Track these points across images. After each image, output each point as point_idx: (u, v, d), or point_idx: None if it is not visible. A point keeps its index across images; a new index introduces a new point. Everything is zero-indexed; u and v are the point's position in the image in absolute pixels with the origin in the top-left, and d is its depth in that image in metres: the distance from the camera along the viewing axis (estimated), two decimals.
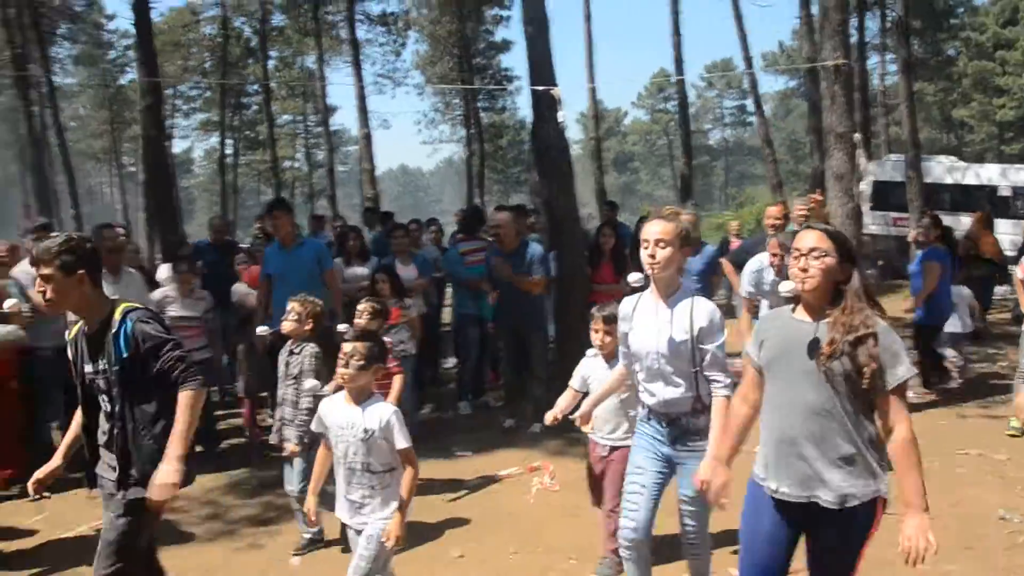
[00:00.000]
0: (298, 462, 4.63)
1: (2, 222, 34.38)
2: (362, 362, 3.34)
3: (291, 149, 44.48)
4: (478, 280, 7.57)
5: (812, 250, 2.69)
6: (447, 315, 9.63)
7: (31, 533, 5.20)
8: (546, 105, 7.70)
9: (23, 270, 5.98)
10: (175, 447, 3.13)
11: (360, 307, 5.23)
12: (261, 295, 6.72)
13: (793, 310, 2.85)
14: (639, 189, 76.17)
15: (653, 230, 3.26)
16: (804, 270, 2.71)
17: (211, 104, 38.54)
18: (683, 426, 3.43)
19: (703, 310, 3.32)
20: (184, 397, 3.15)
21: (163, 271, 8.14)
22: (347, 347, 3.38)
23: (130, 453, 3.22)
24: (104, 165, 52.17)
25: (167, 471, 3.10)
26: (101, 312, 3.24)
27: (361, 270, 7.83)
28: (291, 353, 4.77)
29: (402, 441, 3.34)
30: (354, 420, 3.36)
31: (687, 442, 3.43)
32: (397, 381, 5.00)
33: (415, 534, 4.33)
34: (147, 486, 3.14)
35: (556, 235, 7.82)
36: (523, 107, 42.74)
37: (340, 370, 3.38)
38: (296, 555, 4.75)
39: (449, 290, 9.49)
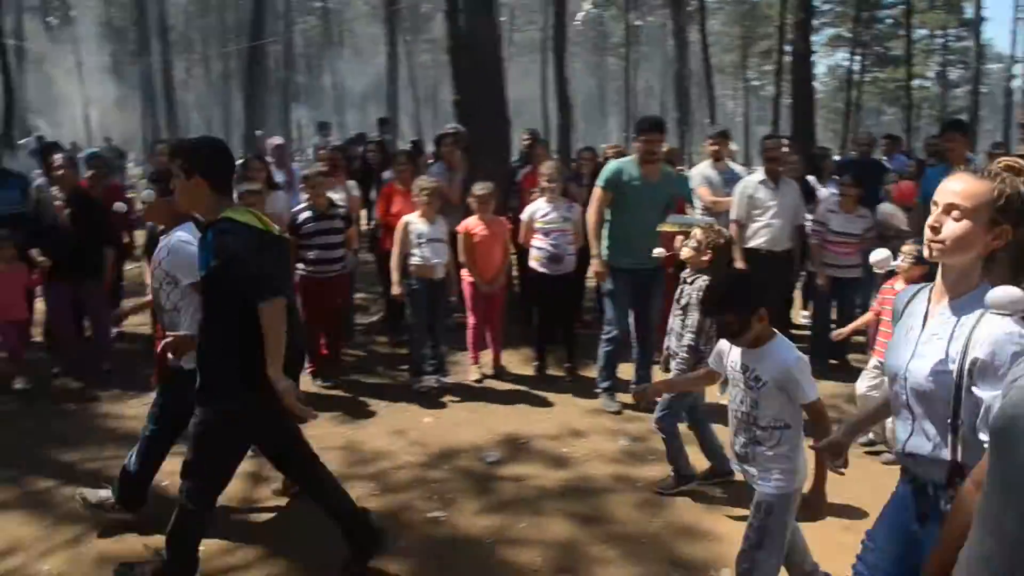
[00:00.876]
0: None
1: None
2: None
3: (923, 67, 41.56)
4: None
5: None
6: None
7: None
8: None
9: None
10: (269, 371, 3.07)
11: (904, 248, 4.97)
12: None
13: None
14: None
15: (950, 189, 2.07)
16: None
17: (844, 19, 37.75)
18: (932, 502, 2.17)
19: (991, 333, 1.99)
20: (261, 315, 3.05)
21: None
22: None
23: (204, 368, 3.24)
24: (730, 79, 54.85)
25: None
26: None
27: None
28: (684, 282, 4.60)
29: (808, 393, 2.92)
30: (748, 363, 3.02)
31: (935, 528, 2.08)
32: None
33: None
34: (209, 404, 3.20)
35: None
36: None
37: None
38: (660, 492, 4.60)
39: None
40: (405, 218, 6.06)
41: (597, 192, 5.77)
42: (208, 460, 3.34)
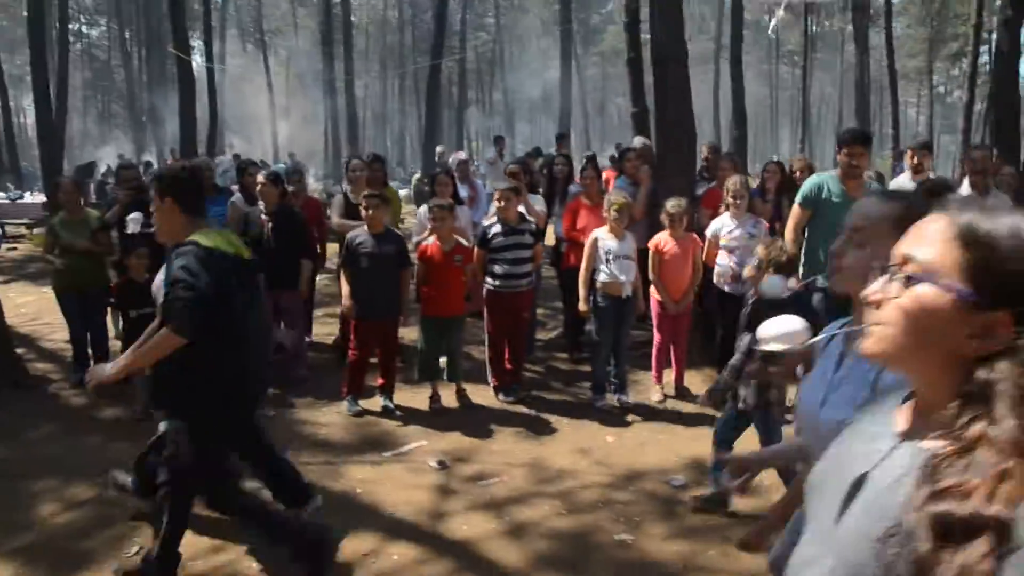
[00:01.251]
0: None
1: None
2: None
3: None
4: None
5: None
6: None
7: None
8: None
9: None
10: (123, 358, 3.56)
11: None
12: None
13: None
14: None
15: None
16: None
17: None
18: None
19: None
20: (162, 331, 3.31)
21: None
22: None
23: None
24: (913, 85, 51.89)
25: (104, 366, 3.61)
26: None
27: None
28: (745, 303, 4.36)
29: None
30: None
31: None
32: None
33: None
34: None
35: None
36: None
37: None
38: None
39: None
40: (594, 233, 6.02)
41: (796, 210, 5.53)
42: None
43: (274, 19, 47.07)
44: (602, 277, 5.96)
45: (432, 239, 5.97)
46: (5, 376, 6.71)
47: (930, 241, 1.05)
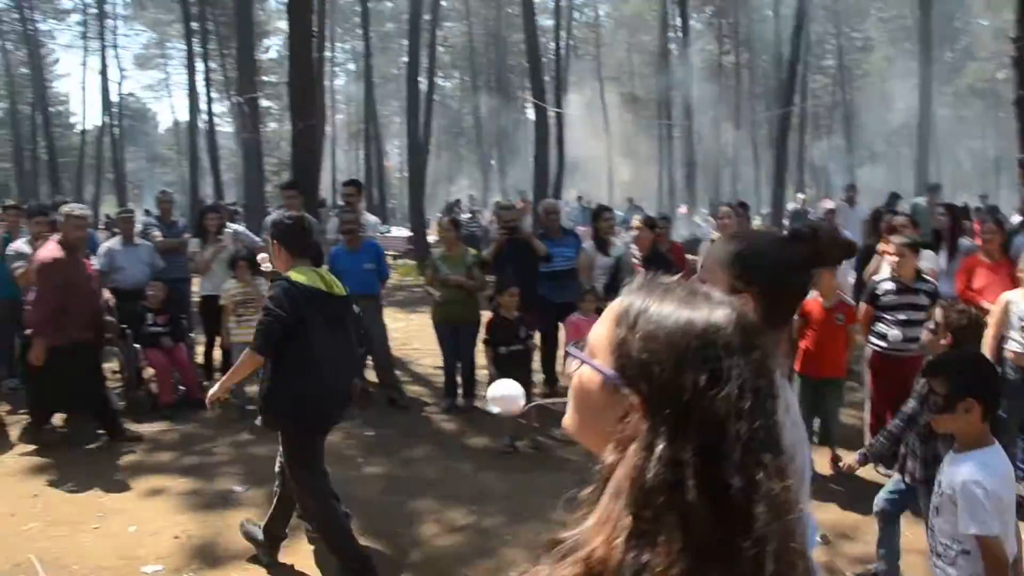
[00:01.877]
0: None
1: None
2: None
3: None
4: None
5: None
6: None
7: None
8: None
9: None
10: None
11: None
12: None
13: None
14: None
15: None
16: None
17: None
18: None
19: None
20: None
21: None
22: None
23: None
24: None
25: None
26: None
27: None
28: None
29: (969, 524, 2.49)
30: (945, 463, 2.74)
31: None
32: None
33: None
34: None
35: None
36: None
37: None
38: None
39: None
40: (1006, 296, 5.27)
41: None
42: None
43: (610, 67, 48.57)
44: (1013, 346, 5.18)
45: (812, 294, 5.57)
46: (386, 394, 7.33)
47: (603, 318, 1.00)
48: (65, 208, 6.26)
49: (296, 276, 4.07)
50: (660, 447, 0.86)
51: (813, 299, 5.55)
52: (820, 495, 5.33)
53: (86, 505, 5.23)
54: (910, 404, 4.01)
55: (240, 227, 8.10)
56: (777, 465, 0.86)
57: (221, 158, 27.80)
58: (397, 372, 8.07)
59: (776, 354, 1.13)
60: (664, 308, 0.94)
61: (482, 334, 6.73)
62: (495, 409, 2.04)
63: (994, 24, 37.45)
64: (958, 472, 2.57)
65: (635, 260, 6.55)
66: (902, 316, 5.47)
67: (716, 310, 0.93)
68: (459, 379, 7.25)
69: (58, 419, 6.73)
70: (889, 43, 45.53)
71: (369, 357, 7.43)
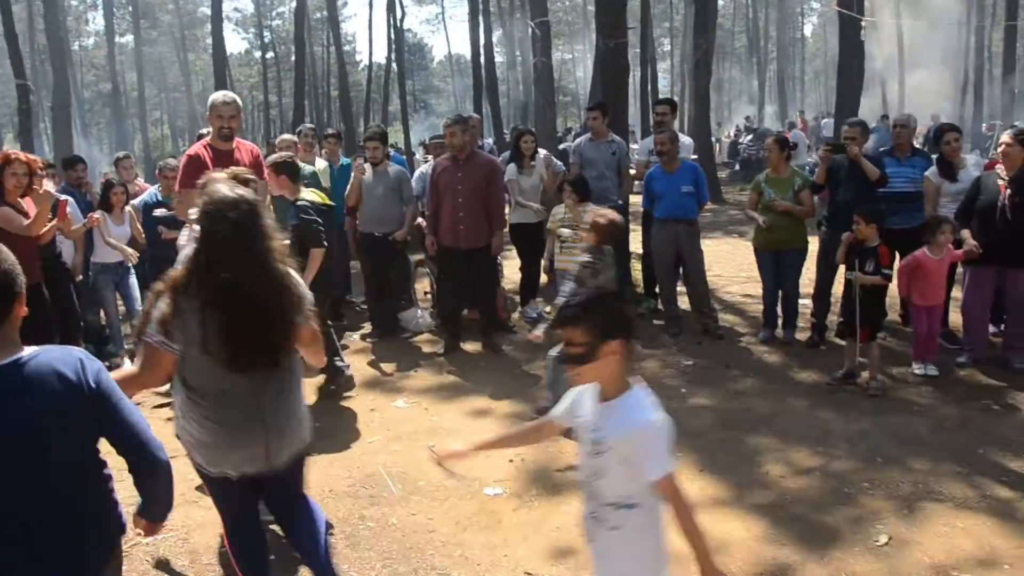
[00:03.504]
0: None
1: None
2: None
3: None
4: None
5: None
6: None
7: None
8: None
9: None
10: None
11: None
12: None
13: None
14: None
15: None
16: None
17: None
18: None
19: None
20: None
21: None
22: None
23: None
24: None
25: None
26: None
27: None
28: None
29: (654, 468, 2.17)
30: (596, 419, 2.31)
31: None
32: None
33: None
34: None
35: None
36: None
37: None
38: None
39: None
40: None
41: None
42: None
43: None
44: None
45: None
46: (702, 323, 7.03)
47: None
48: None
49: (308, 195, 5.61)
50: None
51: None
52: None
53: (419, 422, 5.44)
54: None
55: (545, 152, 8.02)
56: None
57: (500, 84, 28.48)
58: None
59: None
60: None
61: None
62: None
63: None
64: (620, 421, 2.22)
65: (1001, 182, 5.66)
66: None
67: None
68: (779, 310, 6.80)
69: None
70: None
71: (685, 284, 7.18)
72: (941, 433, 4.91)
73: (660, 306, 7.53)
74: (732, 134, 30.44)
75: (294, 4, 29.10)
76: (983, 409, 5.29)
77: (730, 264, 9.24)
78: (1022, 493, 4.15)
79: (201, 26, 51.69)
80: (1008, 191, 5.63)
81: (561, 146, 8.73)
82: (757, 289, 7.18)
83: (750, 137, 23.22)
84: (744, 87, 48.09)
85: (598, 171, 7.30)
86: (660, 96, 20.68)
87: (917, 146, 7.33)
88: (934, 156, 6.65)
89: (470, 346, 6.94)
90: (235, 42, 77.95)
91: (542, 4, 12.39)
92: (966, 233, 5.73)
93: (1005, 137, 5.78)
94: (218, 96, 5.30)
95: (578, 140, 8.10)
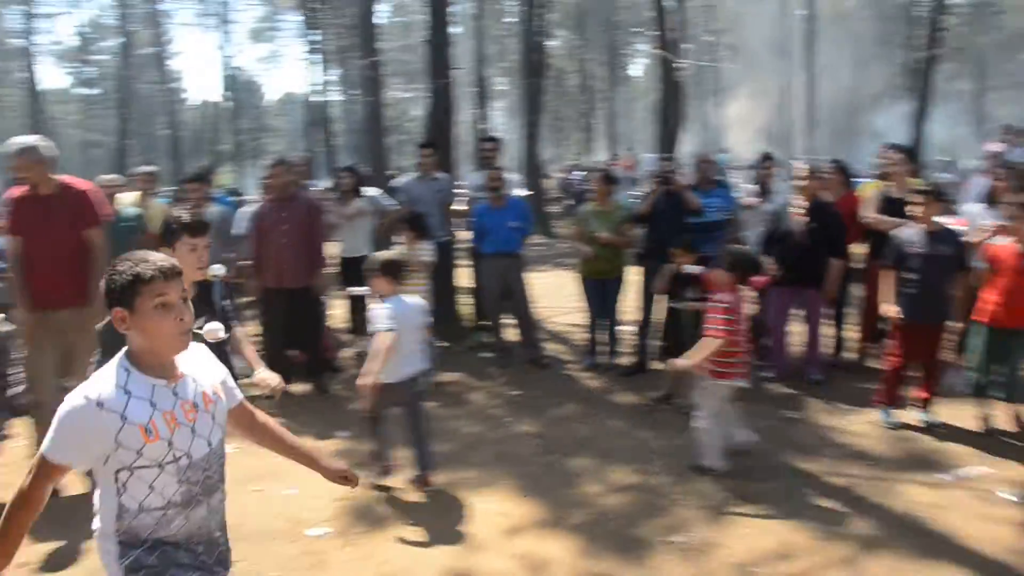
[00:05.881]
0: None
1: None
2: None
3: None
4: None
5: None
6: None
7: None
8: None
9: None
10: None
11: None
12: None
13: None
14: None
15: None
16: None
17: None
18: None
19: None
20: None
21: None
22: None
23: None
24: None
25: None
26: None
27: None
28: None
29: None
30: None
31: None
32: None
33: None
34: None
35: None
36: None
37: None
38: None
39: None
40: None
41: None
42: None
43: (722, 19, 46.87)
44: None
45: (1006, 240, 5.14)
46: (528, 353, 7.24)
47: None
48: None
49: None
50: None
51: (1008, 244, 5.11)
52: (1003, 452, 4.98)
53: (241, 467, 5.29)
54: None
55: (376, 191, 8.04)
56: None
57: (333, 125, 28.28)
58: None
59: None
60: None
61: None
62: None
63: None
64: None
65: (798, 211, 6.21)
66: None
67: None
68: (597, 337, 7.11)
69: None
70: None
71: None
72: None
73: (490, 339, 7.68)
74: (564, 170, 31.39)
75: (122, 39, 28.15)
76: (783, 419, 5.74)
77: (558, 295, 9.53)
78: (815, 491, 4.53)
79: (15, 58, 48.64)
80: (803, 219, 6.18)
81: (391, 183, 8.74)
82: (583, 319, 7.46)
83: (582, 173, 24.06)
84: (578, 124, 49.79)
85: (424, 208, 7.39)
86: (488, 134, 21.09)
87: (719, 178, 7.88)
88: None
89: (298, 387, 6.82)
90: (56, 77, 73.67)
91: (370, 45, 12.49)
92: (768, 259, 6.22)
93: (800, 171, 6.35)
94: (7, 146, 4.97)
95: (405, 179, 8.17)
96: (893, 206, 6.16)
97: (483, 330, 7.89)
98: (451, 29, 8.98)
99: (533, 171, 16.66)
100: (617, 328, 7.08)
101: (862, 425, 5.55)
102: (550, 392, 6.53)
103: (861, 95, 38.76)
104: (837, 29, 35.22)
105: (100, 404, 2.02)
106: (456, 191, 8.18)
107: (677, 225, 6.60)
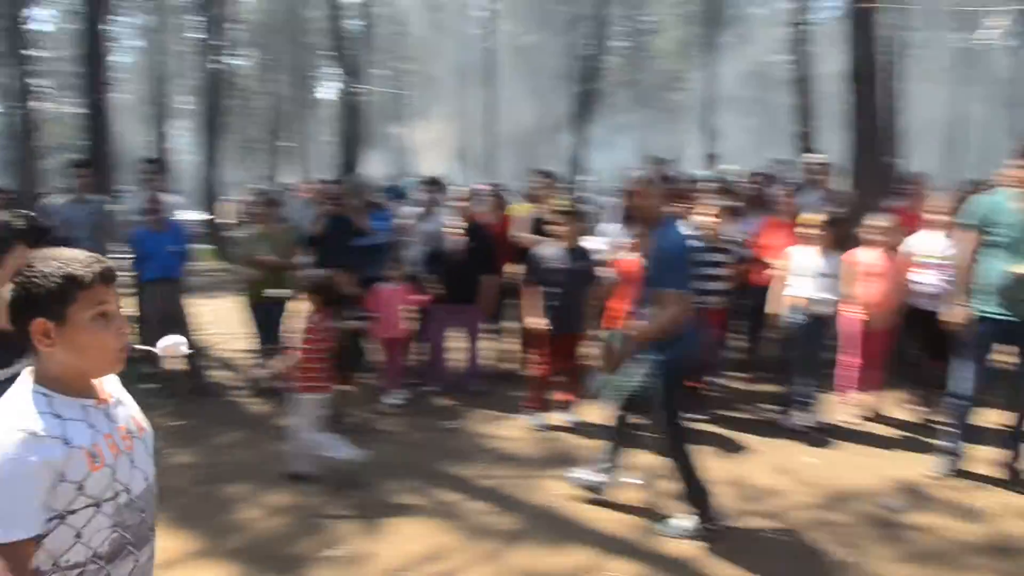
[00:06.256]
0: None
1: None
2: None
3: None
4: None
5: None
6: None
7: None
8: None
9: None
10: None
11: None
12: None
13: None
14: None
15: None
16: None
17: None
18: None
19: None
20: None
21: None
22: None
23: None
24: None
25: None
26: None
27: None
28: None
29: None
30: None
31: None
32: None
33: None
34: None
35: None
36: None
37: None
38: None
39: None
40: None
41: (966, 232, 5.00)
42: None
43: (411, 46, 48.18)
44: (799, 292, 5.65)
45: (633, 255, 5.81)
46: (191, 382, 6.97)
47: None
48: None
49: None
50: None
51: (630, 259, 5.69)
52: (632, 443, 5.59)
53: None
54: None
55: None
56: None
57: None
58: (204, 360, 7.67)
59: None
60: None
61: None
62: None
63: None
64: None
65: (455, 231, 6.58)
66: None
67: None
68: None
69: None
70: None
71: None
72: (407, 454, 5.50)
73: (152, 369, 7.26)
74: (249, 193, 30.46)
75: None
76: (441, 429, 6.04)
77: (230, 321, 9.27)
78: (464, 495, 4.82)
79: None
80: (461, 239, 6.56)
81: (43, 202, 7.99)
82: (251, 344, 7.30)
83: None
84: (267, 146, 48.57)
85: (79, 231, 6.86)
86: (150, 156, 20.12)
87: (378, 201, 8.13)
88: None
89: None
90: None
91: (19, 53, 11.42)
92: (430, 278, 6.52)
93: (459, 193, 6.76)
94: None
95: (60, 200, 7.54)
96: (541, 226, 6.72)
97: (146, 360, 7.44)
98: (111, 42, 8.44)
99: (212, 194, 16.04)
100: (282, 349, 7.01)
101: (514, 430, 5.99)
102: (213, 420, 6.33)
103: (543, 123, 41.87)
104: (519, 61, 37.72)
105: (33, 433, 1.60)
106: (114, 213, 7.67)
107: (341, 247, 6.70)
